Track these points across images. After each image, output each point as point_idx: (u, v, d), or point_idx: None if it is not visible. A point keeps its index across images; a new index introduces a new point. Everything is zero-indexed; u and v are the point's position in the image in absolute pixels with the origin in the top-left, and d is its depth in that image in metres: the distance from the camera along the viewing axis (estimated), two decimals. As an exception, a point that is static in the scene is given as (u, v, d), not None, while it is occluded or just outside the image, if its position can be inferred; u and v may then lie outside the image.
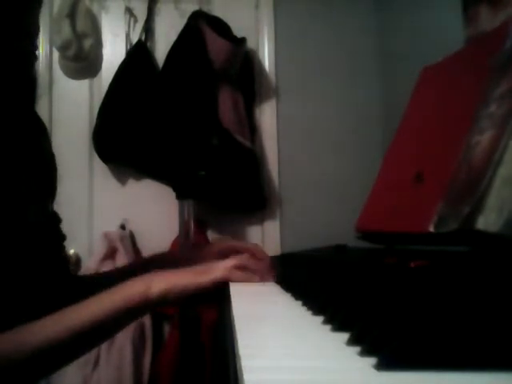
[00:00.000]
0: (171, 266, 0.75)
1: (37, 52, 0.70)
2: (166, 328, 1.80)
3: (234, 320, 0.43)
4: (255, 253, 0.85)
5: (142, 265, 0.92)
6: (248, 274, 0.72)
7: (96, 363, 1.63)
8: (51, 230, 0.77)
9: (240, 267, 0.72)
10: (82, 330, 0.60)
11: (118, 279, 0.75)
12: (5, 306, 0.61)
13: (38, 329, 0.59)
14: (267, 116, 1.95)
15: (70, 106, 1.90)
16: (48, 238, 0.74)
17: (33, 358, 0.57)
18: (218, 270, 0.70)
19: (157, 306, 0.67)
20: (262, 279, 0.73)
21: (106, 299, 0.64)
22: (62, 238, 0.81)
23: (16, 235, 0.64)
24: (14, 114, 0.69)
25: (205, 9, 1.90)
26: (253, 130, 1.90)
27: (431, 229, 0.64)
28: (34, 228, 0.69)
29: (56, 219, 0.80)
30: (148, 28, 1.92)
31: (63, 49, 1.80)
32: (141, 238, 1.87)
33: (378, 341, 0.31)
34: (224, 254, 0.84)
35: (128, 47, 1.90)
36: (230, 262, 0.72)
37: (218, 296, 0.71)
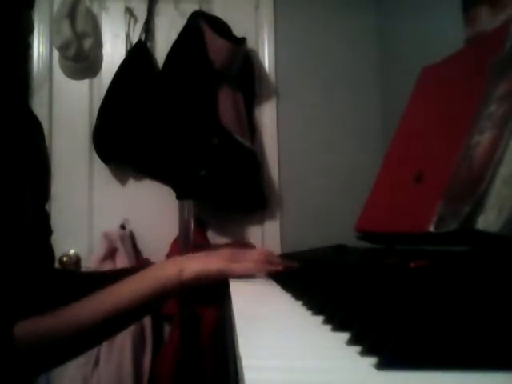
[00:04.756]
0: None
1: (30, 51, 0.71)
2: (166, 328, 1.80)
3: (234, 320, 0.43)
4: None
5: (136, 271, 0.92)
6: (272, 267, 0.71)
7: (96, 363, 1.63)
8: (40, 224, 0.78)
9: (268, 262, 0.71)
10: (118, 311, 0.61)
11: (111, 278, 0.76)
12: None
13: (77, 310, 0.60)
14: (267, 116, 1.95)
15: (70, 106, 1.90)
16: (35, 233, 0.75)
17: (70, 338, 0.58)
18: (250, 261, 0.69)
19: (189, 288, 0.66)
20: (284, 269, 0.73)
21: (137, 283, 0.64)
22: (49, 232, 0.82)
23: (9, 231, 0.64)
24: (7, 112, 0.70)
25: (205, 9, 1.90)
26: (253, 130, 1.90)
27: (431, 229, 0.64)
28: (25, 224, 0.69)
29: (45, 214, 0.81)
30: (148, 28, 1.92)
31: (63, 49, 1.80)
32: (141, 238, 1.87)
33: (378, 340, 0.31)
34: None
35: (128, 47, 1.90)
36: (259, 255, 0.70)
37: (218, 296, 0.71)
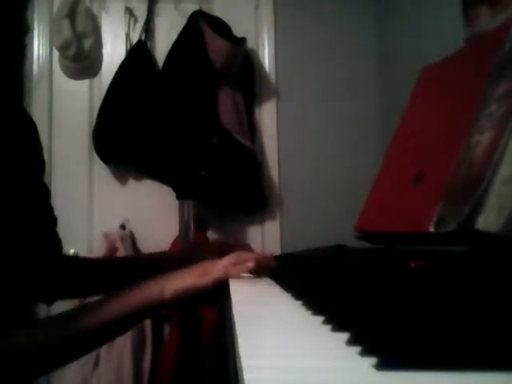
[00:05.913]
0: (173, 265, 0.79)
1: (26, 50, 0.72)
2: (166, 328, 1.79)
3: (234, 320, 0.43)
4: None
5: (143, 260, 0.96)
6: (243, 266, 0.75)
7: (96, 363, 1.63)
8: (46, 218, 0.83)
9: (236, 263, 0.75)
10: (102, 327, 0.66)
11: (116, 266, 0.80)
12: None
13: (67, 322, 0.65)
14: (267, 116, 1.95)
15: (70, 105, 1.90)
16: (40, 224, 0.79)
17: (58, 347, 0.63)
18: (216, 270, 0.74)
19: (169, 306, 0.72)
20: (259, 268, 0.77)
21: (125, 301, 0.69)
22: (54, 222, 0.86)
23: (9, 227, 0.65)
24: (1, 111, 0.70)
25: (205, 9, 1.90)
26: (253, 130, 1.90)
27: (431, 229, 0.64)
28: (26, 219, 0.71)
29: (50, 208, 0.85)
30: (148, 28, 1.92)
31: (63, 49, 1.80)
32: (141, 238, 1.86)
33: (378, 341, 0.31)
34: (224, 252, 0.85)
35: (128, 47, 1.90)
36: (226, 261, 0.76)
37: (218, 296, 0.72)
